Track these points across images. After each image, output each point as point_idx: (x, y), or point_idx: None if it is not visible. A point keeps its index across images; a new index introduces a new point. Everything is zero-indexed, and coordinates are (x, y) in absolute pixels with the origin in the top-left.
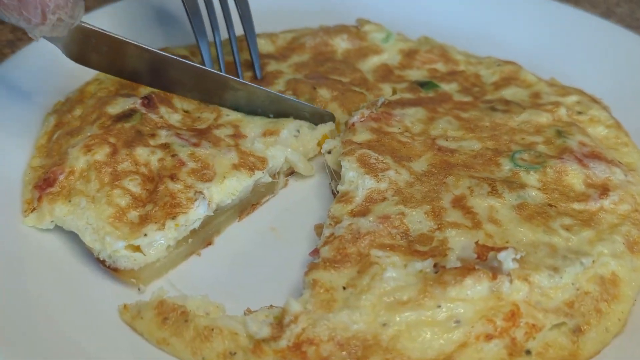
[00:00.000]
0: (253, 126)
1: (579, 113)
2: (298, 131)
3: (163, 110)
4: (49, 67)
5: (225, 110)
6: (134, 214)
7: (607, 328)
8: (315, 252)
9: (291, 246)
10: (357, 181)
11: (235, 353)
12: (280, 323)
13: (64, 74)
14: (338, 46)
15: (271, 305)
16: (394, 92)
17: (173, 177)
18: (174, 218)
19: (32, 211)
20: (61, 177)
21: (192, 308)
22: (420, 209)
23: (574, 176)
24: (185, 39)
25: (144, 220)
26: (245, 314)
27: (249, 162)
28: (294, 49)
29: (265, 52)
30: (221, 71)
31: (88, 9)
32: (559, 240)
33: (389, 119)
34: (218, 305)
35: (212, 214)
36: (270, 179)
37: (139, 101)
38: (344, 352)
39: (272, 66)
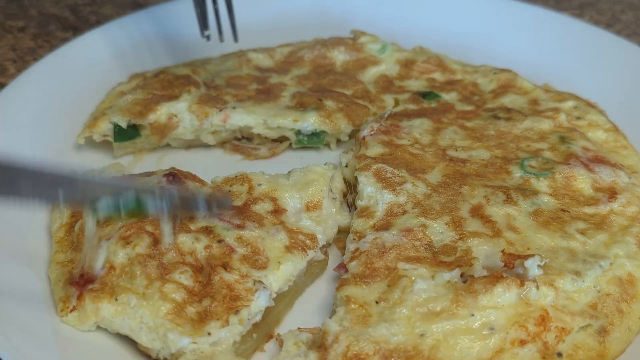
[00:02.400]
0: (289, 195)
1: (578, 118)
2: (332, 191)
3: (191, 185)
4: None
5: (255, 180)
6: (191, 310)
7: (629, 327)
8: (341, 266)
9: None
10: (376, 196)
11: None
12: (322, 345)
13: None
14: (336, 58)
15: (298, 328)
16: (397, 103)
17: (226, 267)
18: (237, 313)
19: (71, 310)
20: (102, 272)
21: None
22: (441, 220)
23: (582, 181)
24: (186, 56)
25: (203, 317)
26: (276, 338)
27: (300, 242)
28: (293, 62)
29: (265, 66)
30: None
31: (79, 29)
32: (577, 244)
33: (397, 131)
34: None
35: (273, 303)
36: (322, 256)
37: (164, 179)
38: None
39: (275, 79)
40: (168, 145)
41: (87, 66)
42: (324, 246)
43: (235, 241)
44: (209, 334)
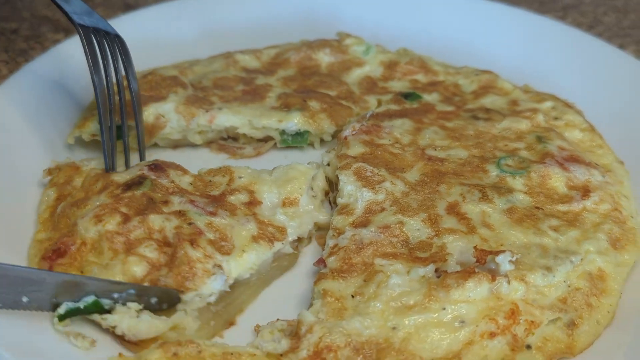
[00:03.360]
0: (267, 189)
1: (555, 118)
2: (312, 189)
3: (172, 173)
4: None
5: (237, 172)
6: (148, 279)
7: (598, 321)
8: (320, 261)
9: None
10: (356, 194)
11: None
12: (296, 334)
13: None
14: (322, 60)
15: (277, 319)
16: (379, 103)
17: (193, 243)
18: (182, 293)
19: None
20: (72, 248)
21: (199, 341)
22: (418, 217)
23: (557, 179)
24: (174, 57)
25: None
26: (254, 329)
27: (268, 233)
28: (279, 64)
29: (251, 67)
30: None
31: (71, 31)
32: (549, 240)
33: (379, 131)
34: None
35: (228, 289)
36: (291, 250)
37: (146, 167)
38: (360, 357)
39: (261, 80)
40: (155, 145)
41: (78, 67)
42: (295, 241)
43: (205, 226)
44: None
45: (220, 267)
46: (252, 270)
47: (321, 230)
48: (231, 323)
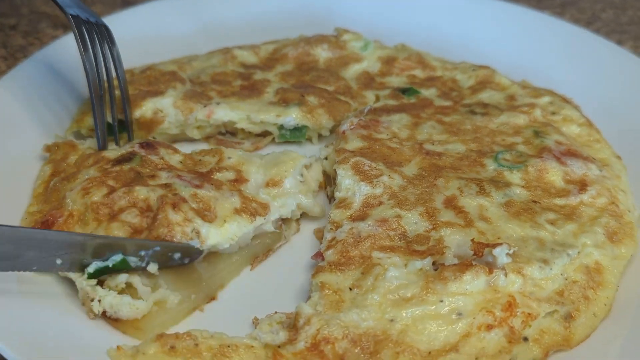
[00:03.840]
0: (255, 169)
1: (553, 113)
2: (301, 175)
3: (163, 151)
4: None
5: (227, 153)
6: None
7: (594, 313)
8: (318, 255)
9: (292, 250)
10: (354, 188)
11: None
12: (294, 326)
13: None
14: (320, 56)
15: (275, 312)
16: (377, 99)
17: (175, 206)
18: None
19: None
20: (60, 220)
21: (196, 333)
22: (415, 210)
23: (554, 173)
24: (173, 53)
25: None
26: (253, 322)
27: (251, 208)
28: (278, 59)
29: (250, 63)
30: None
31: (69, 27)
32: (546, 234)
33: (377, 126)
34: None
35: (203, 251)
36: (272, 228)
37: (137, 145)
38: (358, 348)
39: (259, 75)
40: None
41: (76, 63)
42: (278, 220)
43: (190, 196)
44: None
45: (198, 232)
46: (232, 241)
47: (308, 218)
48: (212, 298)
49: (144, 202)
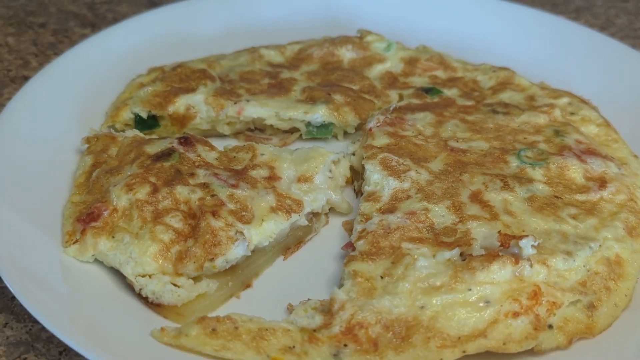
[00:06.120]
0: (286, 166)
1: (572, 114)
2: (330, 171)
3: (200, 148)
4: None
5: (260, 150)
6: (175, 249)
7: (616, 303)
8: (349, 245)
9: (322, 242)
10: (382, 182)
11: (293, 347)
12: (329, 311)
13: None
14: (344, 56)
15: (308, 299)
16: (401, 98)
17: (214, 214)
18: (212, 260)
19: (74, 243)
20: (105, 214)
21: (236, 317)
22: (442, 204)
23: (575, 171)
24: (201, 52)
25: (183, 256)
26: (287, 308)
27: (286, 205)
28: (303, 59)
29: (276, 62)
30: None
31: (97, 26)
32: (568, 227)
33: (402, 124)
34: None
35: (249, 254)
36: (306, 222)
37: (176, 140)
38: (390, 333)
39: (286, 74)
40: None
41: (108, 59)
42: (309, 213)
43: (227, 197)
44: (184, 275)
45: (242, 233)
46: (270, 239)
47: (335, 213)
48: (248, 285)
49: (185, 205)
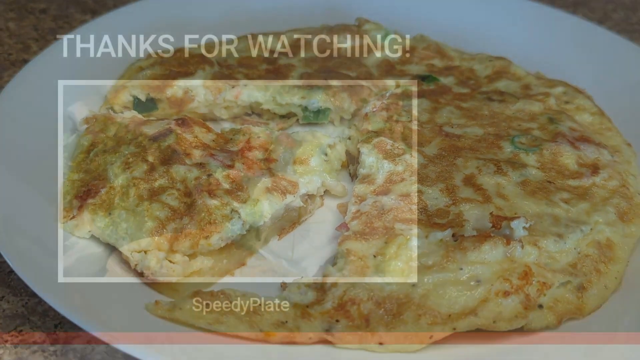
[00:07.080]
0: (282, 148)
1: (566, 102)
2: (326, 155)
3: (197, 130)
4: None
5: (256, 132)
6: (171, 226)
7: (606, 285)
8: (343, 226)
9: (316, 223)
10: (377, 165)
11: (286, 322)
12: (322, 288)
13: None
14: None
15: (302, 277)
16: (398, 85)
17: (210, 193)
18: (207, 237)
19: (71, 219)
20: (102, 191)
21: (230, 292)
22: (436, 187)
23: (568, 157)
24: (199, 38)
25: (178, 234)
26: (281, 285)
27: (281, 186)
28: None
29: (274, 48)
30: None
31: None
32: (560, 211)
33: (398, 109)
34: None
35: (245, 232)
36: (301, 204)
37: (173, 122)
38: (382, 310)
39: (284, 60)
40: None
41: (107, 44)
42: (305, 195)
43: (222, 177)
44: (180, 252)
45: (237, 212)
46: (265, 219)
47: (330, 195)
48: (242, 263)
49: (182, 184)
